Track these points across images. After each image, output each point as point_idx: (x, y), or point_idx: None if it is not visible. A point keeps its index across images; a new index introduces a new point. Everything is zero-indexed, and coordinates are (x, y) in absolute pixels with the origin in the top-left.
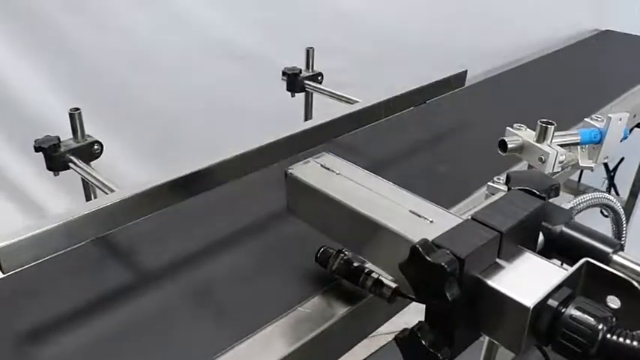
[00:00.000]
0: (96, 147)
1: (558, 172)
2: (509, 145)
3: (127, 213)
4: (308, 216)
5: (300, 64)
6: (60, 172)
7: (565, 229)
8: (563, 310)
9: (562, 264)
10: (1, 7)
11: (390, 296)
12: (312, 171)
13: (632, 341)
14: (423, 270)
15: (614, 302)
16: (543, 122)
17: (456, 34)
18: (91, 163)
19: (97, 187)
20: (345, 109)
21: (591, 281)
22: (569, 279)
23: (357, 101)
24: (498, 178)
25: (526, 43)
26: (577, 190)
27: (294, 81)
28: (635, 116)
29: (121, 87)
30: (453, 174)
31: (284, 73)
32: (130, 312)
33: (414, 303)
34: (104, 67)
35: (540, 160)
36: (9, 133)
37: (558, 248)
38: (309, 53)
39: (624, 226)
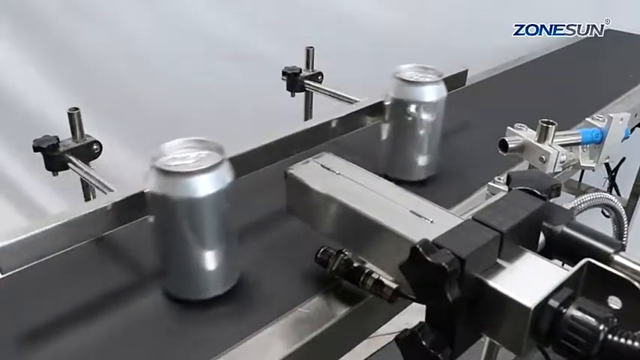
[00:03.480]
0: (95, 147)
1: (559, 172)
2: (510, 145)
3: (126, 213)
4: (308, 216)
5: (300, 64)
6: (59, 172)
7: (566, 230)
8: (564, 311)
9: (563, 264)
10: (1, 7)
11: (391, 297)
12: (312, 171)
13: (633, 342)
14: (424, 270)
15: (615, 303)
16: (544, 122)
17: (456, 34)
18: (90, 163)
19: (96, 187)
20: (345, 109)
21: (592, 282)
22: (570, 279)
23: (357, 101)
24: (499, 178)
25: (526, 42)
26: (578, 190)
27: (294, 81)
28: (636, 115)
29: (120, 87)
30: (453, 174)
31: (284, 73)
32: (130, 312)
33: (414, 303)
34: (104, 67)
35: (541, 160)
36: (7, 133)
37: (559, 248)
38: (309, 53)
39: (625, 226)
